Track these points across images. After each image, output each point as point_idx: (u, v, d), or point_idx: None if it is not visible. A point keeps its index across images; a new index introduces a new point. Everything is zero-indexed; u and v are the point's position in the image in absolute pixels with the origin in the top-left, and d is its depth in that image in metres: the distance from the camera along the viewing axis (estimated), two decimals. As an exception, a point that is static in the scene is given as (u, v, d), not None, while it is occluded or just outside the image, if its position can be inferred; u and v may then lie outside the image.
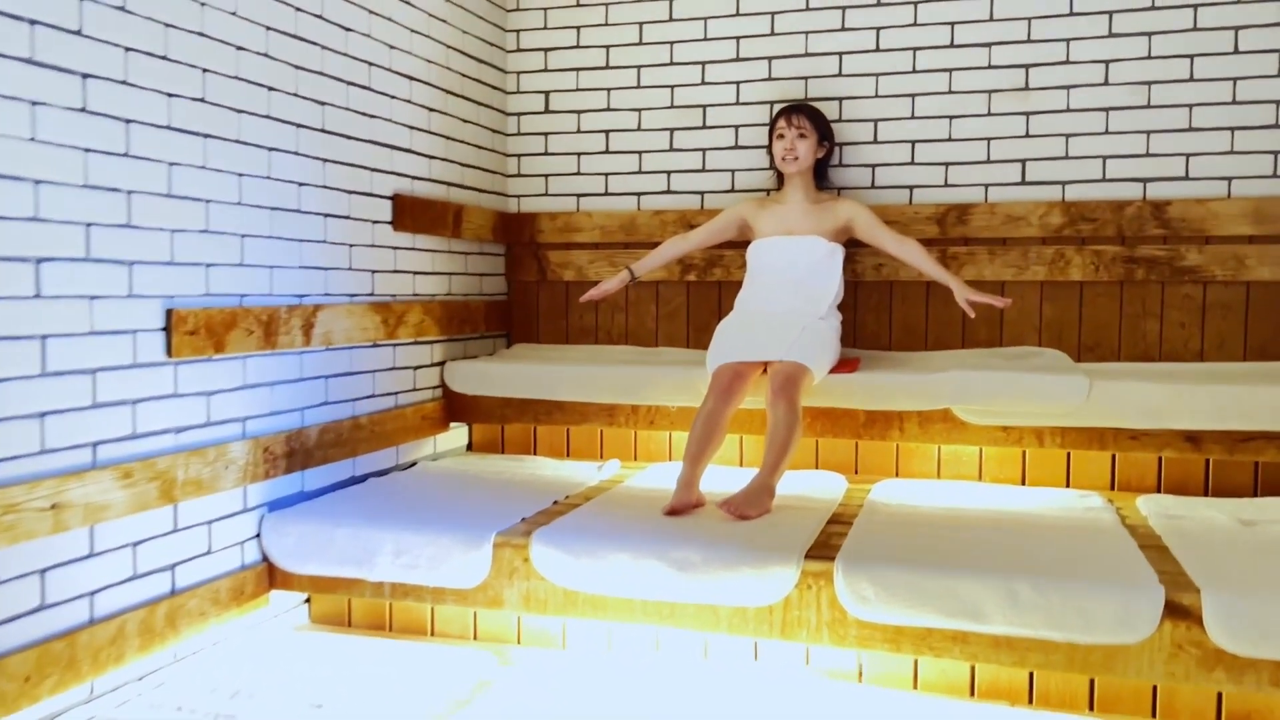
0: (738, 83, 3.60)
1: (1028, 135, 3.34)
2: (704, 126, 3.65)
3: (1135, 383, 2.82)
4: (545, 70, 3.80)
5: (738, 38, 3.59)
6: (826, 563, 2.19)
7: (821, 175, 3.36)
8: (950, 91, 3.39)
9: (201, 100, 2.36)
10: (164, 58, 2.25)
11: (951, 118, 3.40)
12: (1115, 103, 3.26)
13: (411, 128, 3.22)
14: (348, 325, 2.88)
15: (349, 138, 2.91)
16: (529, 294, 3.86)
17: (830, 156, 3.35)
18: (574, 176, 3.80)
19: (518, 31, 3.82)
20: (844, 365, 3.10)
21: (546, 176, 3.83)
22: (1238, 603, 1.96)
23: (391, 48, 3.09)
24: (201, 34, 2.35)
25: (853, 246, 3.37)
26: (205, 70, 2.36)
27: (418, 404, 3.27)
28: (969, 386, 2.88)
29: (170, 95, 2.27)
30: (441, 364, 3.42)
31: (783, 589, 2.20)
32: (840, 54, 3.49)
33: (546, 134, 3.83)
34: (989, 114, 3.37)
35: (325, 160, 2.80)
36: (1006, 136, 3.36)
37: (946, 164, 3.41)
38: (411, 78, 3.21)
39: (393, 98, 3.11)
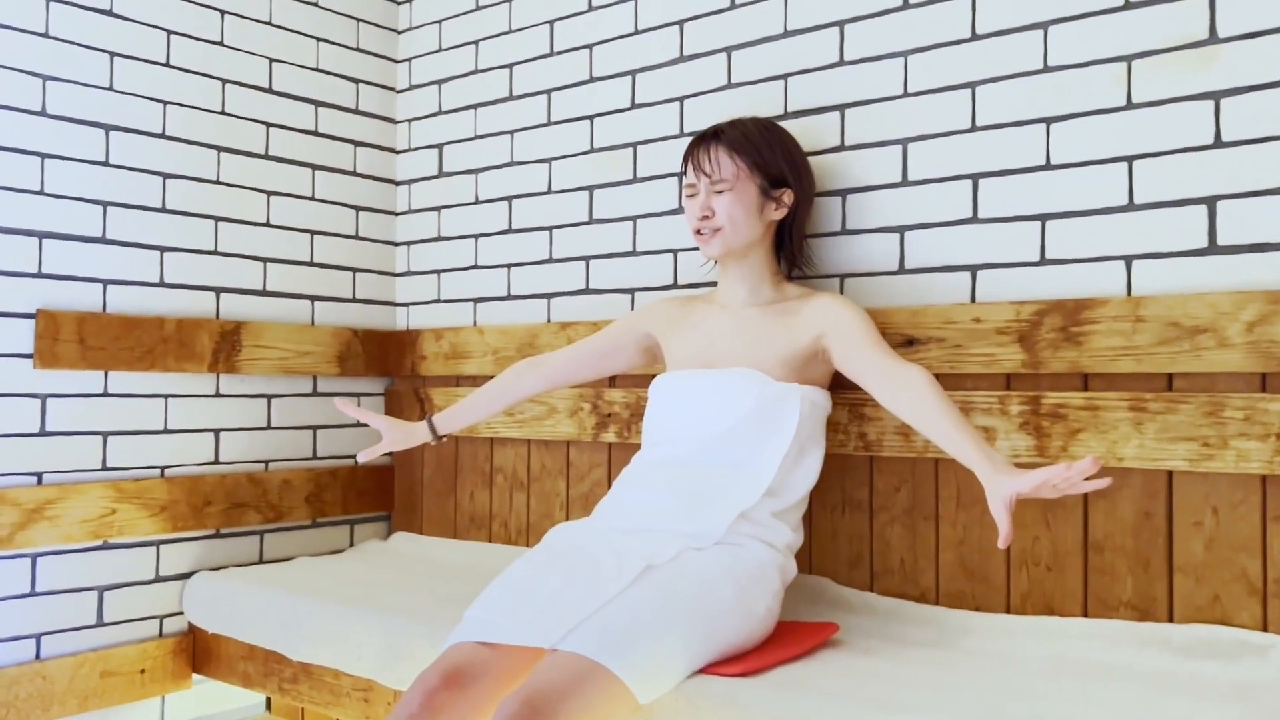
0: (680, 99, 2.05)
1: (1211, 142, 1.48)
2: (634, 179, 2.12)
3: None
4: (439, 113, 2.48)
5: (680, 22, 2.05)
6: None
7: (790, 254, 1.74)
8: (1047, 68, 1.62)
9: None
10: None
11: (1049, 121, 1.62)
12: None
13: (69, 199, 2.03)
14: None
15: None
16: (413, 456, 2.48)
17: (801, 217, 1.71)
18: (470, 272, 2.41)
19: (408, 60, 2.54)
20: (780, 644, 1.43)
21: (439, 273, 2.47)
22: None
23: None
24: None
25: (849, 390, 1.70)
26: None
27: (106, 649, 2.00)
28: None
29: None
30: (187, 578, 2.14)
31: None
32: (841, 23, 1.84)
33: (439, 209, 2.48)
34: (1128, 106, 1.55)
35: None
36: (1165, 151, 1.52)
37: (1042, 217, 1.63)
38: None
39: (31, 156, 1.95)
